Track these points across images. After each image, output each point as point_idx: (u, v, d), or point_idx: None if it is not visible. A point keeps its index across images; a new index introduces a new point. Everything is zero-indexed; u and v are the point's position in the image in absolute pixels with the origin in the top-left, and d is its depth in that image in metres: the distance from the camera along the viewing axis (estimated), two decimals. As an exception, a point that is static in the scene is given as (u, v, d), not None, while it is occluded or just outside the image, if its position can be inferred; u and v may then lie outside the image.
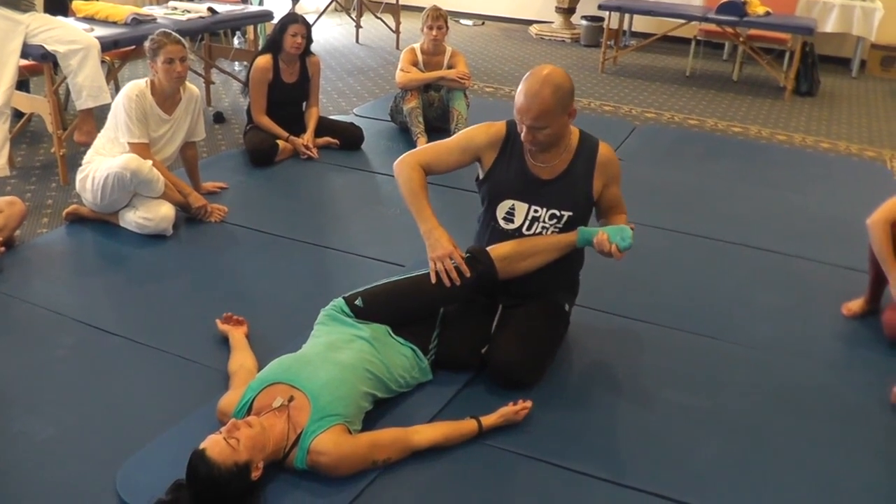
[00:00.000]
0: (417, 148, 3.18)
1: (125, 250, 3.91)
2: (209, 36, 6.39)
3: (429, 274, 2.95)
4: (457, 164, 3.10)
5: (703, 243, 4.27)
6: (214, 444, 2.27)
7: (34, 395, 2.84)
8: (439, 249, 2.92)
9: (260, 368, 2.77)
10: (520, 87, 2.81)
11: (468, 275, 2.91)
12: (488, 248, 3.00)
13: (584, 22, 9.43)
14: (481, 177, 3.10)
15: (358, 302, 2.93)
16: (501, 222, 3.06)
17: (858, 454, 2.75)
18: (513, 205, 3.03)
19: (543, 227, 3.03)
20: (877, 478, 2.65)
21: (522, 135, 2.85)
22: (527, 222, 3.03)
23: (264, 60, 5.04)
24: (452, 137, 3.17)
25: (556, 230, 3.03)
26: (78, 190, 4.09)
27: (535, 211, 3.01)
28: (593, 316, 3.46)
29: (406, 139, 5.52)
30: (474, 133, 3.06)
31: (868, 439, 2.83)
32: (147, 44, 4.00)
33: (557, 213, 3.00)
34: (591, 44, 9.34)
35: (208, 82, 6.41)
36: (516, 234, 3.05)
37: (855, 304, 3.61)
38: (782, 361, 3.26)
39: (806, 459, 2.71)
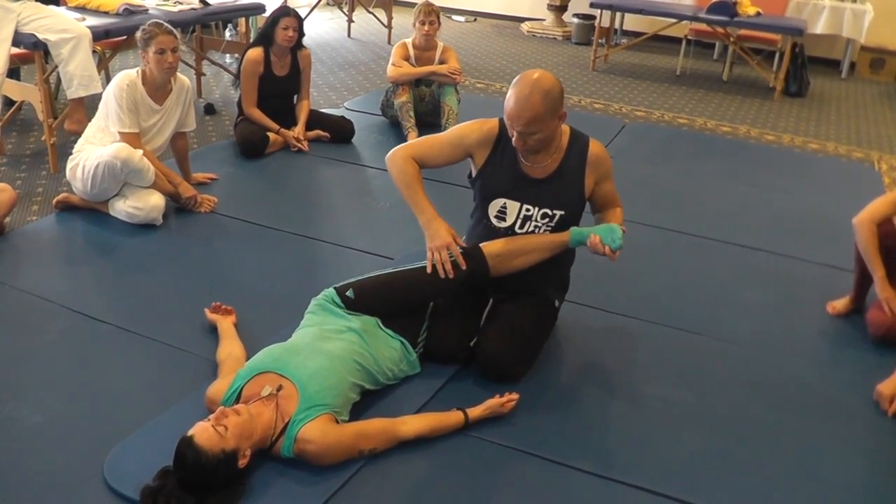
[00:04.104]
0: (409, 141, 3.18)
1: (115, 239, 3.91)
2: (201, 28, 6.38)
3: (421, 268, 2.97)
4: (448, 160, 3.11)
5: (691, 240, 4.30)
6: (202, 431, 2.28)
7: (22, 381, 2.85)
8: (437, 240, 2.94)
9: (248, 358, 2.78)
10: (509, 92, 2.81)
11: (464, 267, 2.93)
12: (481, 245, 3.02)
13: (575, 20, 9.44)
14: (473, 174, 3.11)
15: (349, 293, 2.94)
16: (493, 220, 3.08)
17: (840, 450, 2.78)
18: (504, 203, 3.05)
19: (536, 226, 3.04)
20: (858, 473, 2.68)
21: (513, 139, 2.86)
22: (519, 221, 3.04)
23: (255, 53, 5.05)
24: (445, 132, 3.18)
25: (549, 229, 3.04)
26: (68, 178, 4.09)
27: (527, 210, 3.03)
28: (580, 311, 3.48)
29: (396, 133, 5.53)
30: (467, 130, 3.07)
31: (850, 435, 2.86)
32: (139, 34, 3.99)
33: (549, 212, 3.02)
34: (583, 42, 9.36)
35: (199, 74, 6.40)
36: (508, 232, 3.06)
37: (840, 303, 3.64)
38: (767, 358, 3.28)
39: (788, 455, 2.73)
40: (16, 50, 4.59)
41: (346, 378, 2.63)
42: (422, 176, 3.05)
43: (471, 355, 3.03)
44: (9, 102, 5.18)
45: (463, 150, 3.06)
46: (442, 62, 5.55)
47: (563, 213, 3.01)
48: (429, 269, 2.94)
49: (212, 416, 2.34)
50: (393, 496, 2.44)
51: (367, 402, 2.76)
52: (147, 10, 5.22)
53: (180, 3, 5.53)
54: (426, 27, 5.42)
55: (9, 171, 4.66)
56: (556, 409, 2.88)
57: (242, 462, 2.32)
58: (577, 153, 3.00)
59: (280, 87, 5.20)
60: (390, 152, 3.08)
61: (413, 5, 5.68)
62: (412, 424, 2.63)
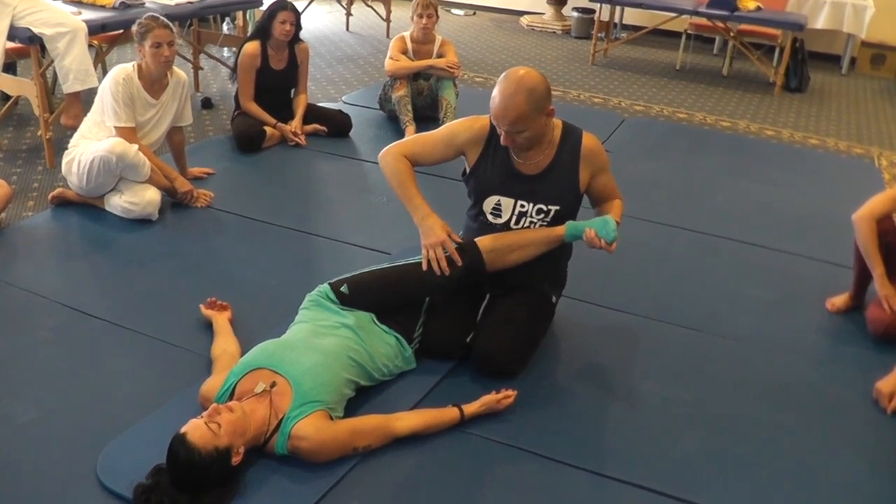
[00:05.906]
0: (402, 139, 3.17)
1: (110, 234, 3.89)
2: (198, 21, 6.36)
3: (416, 263, 2.96)
4: (441, 158, 3.09)
5: (690, 236, 4.28)
6: (195, 429, 2.26)
7: (16, 377, 2.83)
8: (432, 237, 2.92)
9: (243, 353, 2.77)
10: (494, 90, 2.79)
11: (460, 263, 2.91)
12: (476, 240, 3.00)
13: (575, 14, 9.42)
14: (467, 172, 3.09)
15: (343, 289, 2.92)
16: (489, 216, 3.06)
17: (839, 448, 2.77)
18: (499, 200, 3.03)
19: (531, 222, 3.03)
20: (857, 471, 2.67)
21: (501, 138, 2.85)
22: (514, 217, 3.03)
23: (253, 47, 5.03)
24: (437, 130, 3.15)
25: (545, 224, 3.03)
26: (64, 173, 4.07)
27: (522, 206, 3.01)
28: (578, 307, 3.47)
29: (394, 127, 5.51)
30: (458, 129, 3.05)
31: (849, 433, 2.85)
32: (135, 27, 3.97)
33: (544, 207, 3.00)
34: (582, 36, 9.34)
35: (196, 68, 6.37)
36: (504, 228, 3.04)
37: (839, 300, 3.62)
38: (766, 355, 3.27)
39: (787, 452, 2.72)
40: (11, 44, 4.57)
41: (340, 374, 2.62)
42: (415, 173, 3.03)
43: (467, 351, 3.01)
44: (5, 97, 5.16)
45: (455, 149, 3.04)
46: (440, 56, 5.53)
47: (558, 208, 2.99)
48: (424, 267, 2.92)
49: (205, 413, 2.33)
50: (387, 493, 2.43)
51: (362, 398, 2.75)
52: (144, 3, 5.18)
53: (177, -3, 5.50)
54: (424, 20, 5.40)
55: (5, 167, 4.64)
56: (553, 405, 2.87)
57: (236, 459, 2.31)
58: (570, 148, 2.98)
59: (277, 80, 5.18)
60: (382, 151, 3.07)
61: (411, -1, 5.65)
62: (407, 421, 2.62)
